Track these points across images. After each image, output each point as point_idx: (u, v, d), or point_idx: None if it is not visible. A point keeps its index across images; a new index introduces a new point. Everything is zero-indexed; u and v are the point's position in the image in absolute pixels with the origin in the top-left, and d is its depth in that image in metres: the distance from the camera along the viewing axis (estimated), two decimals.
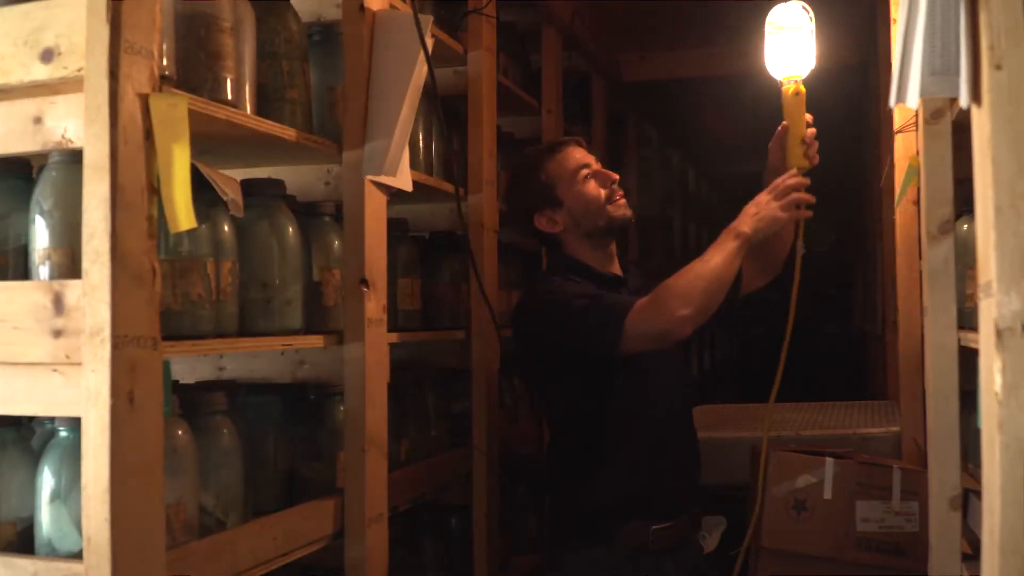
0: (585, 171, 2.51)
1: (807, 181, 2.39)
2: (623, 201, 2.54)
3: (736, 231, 2.32)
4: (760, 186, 2.45)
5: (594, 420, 2.45)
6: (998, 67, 1.21)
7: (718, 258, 2.30)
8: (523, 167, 2.65)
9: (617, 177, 2.54)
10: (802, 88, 2.40)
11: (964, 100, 1.31)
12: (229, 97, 1.78)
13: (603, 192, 2.50)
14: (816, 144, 2.43)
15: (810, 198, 2.34)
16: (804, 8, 2.41)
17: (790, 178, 2.34)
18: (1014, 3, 1.19)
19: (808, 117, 2.41)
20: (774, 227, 2.34)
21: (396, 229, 2.51)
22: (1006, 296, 1.22)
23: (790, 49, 2.41)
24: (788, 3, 2.44)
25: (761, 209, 2.33)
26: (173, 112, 1.51)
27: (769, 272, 2.66)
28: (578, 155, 2.54)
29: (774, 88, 2.47)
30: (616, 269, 2.59)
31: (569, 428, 2.55)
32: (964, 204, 2.10)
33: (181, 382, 2.20)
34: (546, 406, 2.69)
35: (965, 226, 2.07)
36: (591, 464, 2.47)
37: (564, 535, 2.52)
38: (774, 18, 2.44)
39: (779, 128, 2.47)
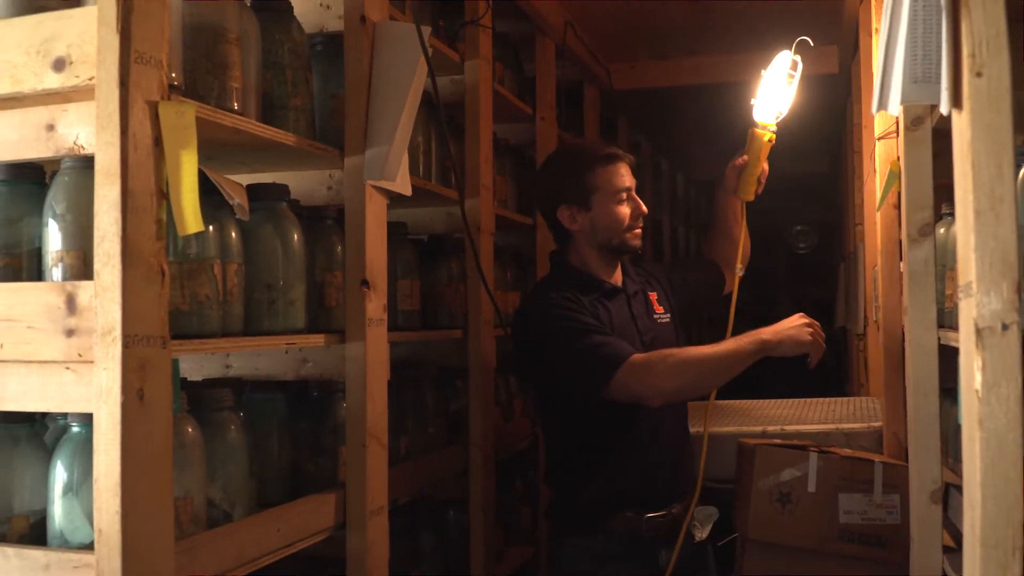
0: (624, 194, 2.52)
1: (765, 169, 2.58)
2: (639, 232, 2.56)
3: (760, 338, 2.33)
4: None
5: (586, 420, 2.45)
6: (979, 74, 1.21)
7: (731, 359, 2.32)
8: (573, 159, 2.63)
9: (646, 211, 2.56)
10: (774, 137, 2.54)
11: (945, 107, 1.31)
12: (235, 105, 1.78)
13: (629, 217, 2.51)
14: (764, 182, 2.61)
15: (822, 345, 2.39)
16: (796, 62, 2.48)
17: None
18: (995, 13, 1.19)
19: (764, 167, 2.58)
20: (796, 347, 2.35)
21: (396, 232, 2.51)
22: (986, 296, 1.22)
23: (775, 99, 2.52)
24: (784, 54, 2.50)
25: (791, 328, 2.35)
26: (181, 119, 1.50)
27: (725, 261, 2.75)
28: (626, 177, 2.54)
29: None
30: (617, 279, 2.59)
31: (562, 428, 2.56)
32: (943, 208, 2.11)
33: (189, 379, 2.20)
34: (539, 407, 2.70)
35: (942, 229, 2.07)
36: (585, 461, 2.48)
37: (561, 526, 2.53)
38: (771, 68, 2.52)
39: (738, 159, 2.61)
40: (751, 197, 2.62)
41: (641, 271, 2.71)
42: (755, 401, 3.70)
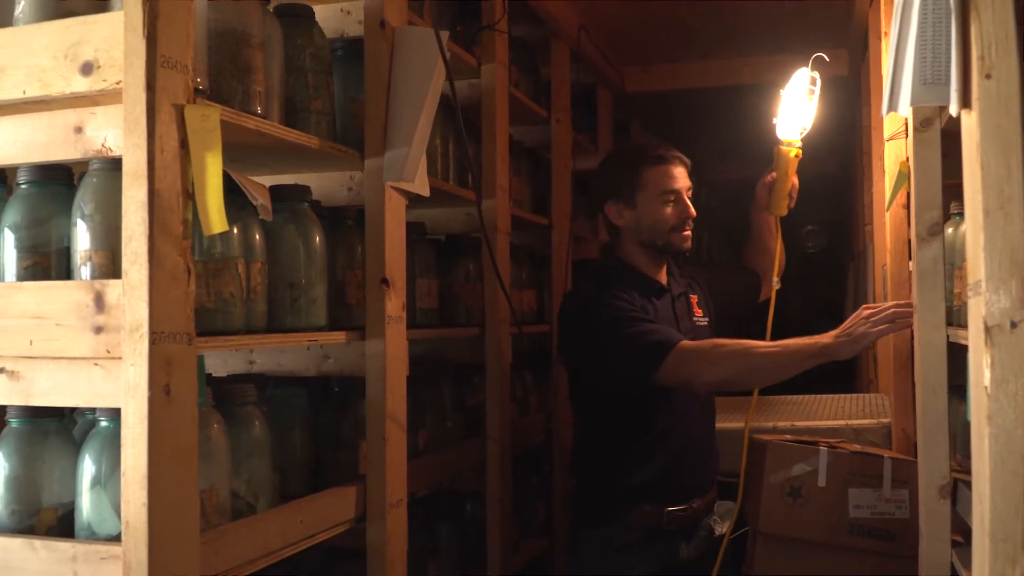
0: (671, 195, 2.50)
1: (796, 183, 2.56)
2: (688, 234, 2.55)
3: (821, 344, 2.23)
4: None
5: (619, 410, 2.46)
6: (988, 76, 1.20)
7: (784, 357, 2.27)
8: (625, 156, 2.65)
9: (694, 214, 2.54)
10: (800, 152, 2.52)
11: (954, 108, 1.30)
12: (259, 108, 1.78)
13: (674, 219, 2.50)
14: (795, 196, 2.58)
15: (910, 310, 2.12)
16: (815, 78, 2.47)
17: (897, 306, 2.21)
18: (1004, 16, 1.18)
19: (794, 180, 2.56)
20: (862, 343, 2.20)
21: (414, 232, 2.51)
22: (995, 295, 1.22)
23: (798, 116, 2.50)
24: (801, 72, 2.49)
25: (854, 328, 2.21)
26: (206, 123, 1.51)
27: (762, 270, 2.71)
28: (677, 179, 2.53)
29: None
30: (663, 278, 2.59)
31: (595, 416, 2.56)
32: (951, 208, 2.09)
33: (214, 375, 2.21)
34: (575, 394, 2.70)
35: (951, 229, 2.06)
36: (614, 451, 2.49)
37: (583, 516, 2.54)
38: (789, 86, 2.50)
39: (767, 177, 2.61)
40: (784, 212, 2.61)
41: (684, 273, 2.71)
42: (766, 397, 3.69)
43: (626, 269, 2.54)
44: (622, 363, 2.36)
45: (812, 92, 2.47)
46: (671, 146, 2.60)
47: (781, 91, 2.51)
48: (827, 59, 2.42)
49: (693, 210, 2.53)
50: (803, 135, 2.52)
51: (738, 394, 3.33)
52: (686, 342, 2.32)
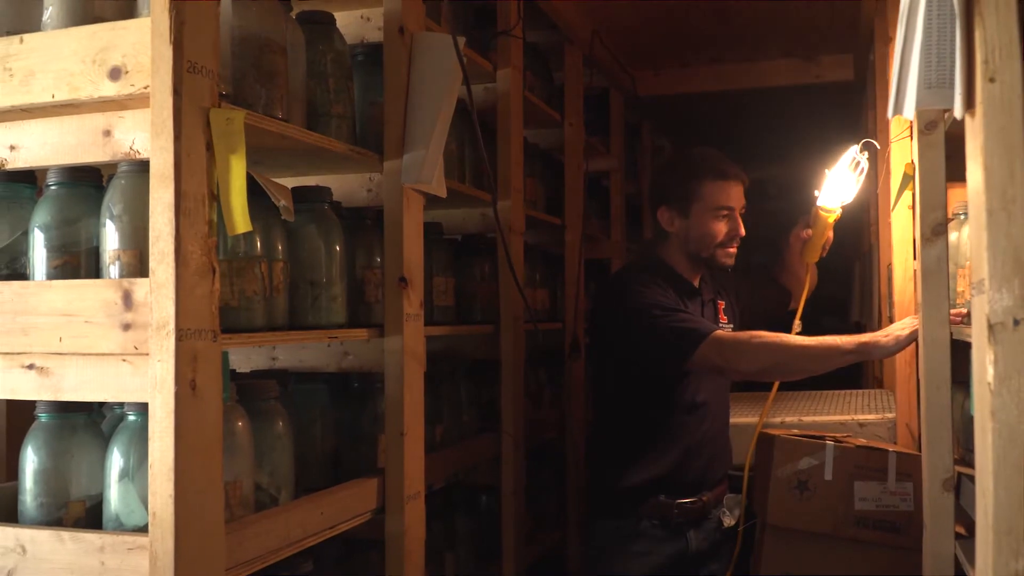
0: (725, 212, 2.49)
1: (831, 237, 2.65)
2: (733, 251, 2.55)
3: (860, 341, 2.26)
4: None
5: (640, 409, 2.46)
6: (992, 80, 1.20)
7: (819, 352, 2.27)
8: (686, 165, 2.63)
9: (743, 234, 2.55)
10: (839, 216, 2.60)
11: (959, 111, 1.30)
12: (281, 112, 1.79)
13: (723, 236, 2.49)
14: (828, 247, 2.65)
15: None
16: (864, 155, 2.53)
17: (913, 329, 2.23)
18: (1008, 20, 1.18)
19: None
20: (893, 348, 2.27)
21: (432, 232, 2.51)
22: (998, 293, 1.21)
23: (844, 187, 2.56)
24: (851, 150, 2.54)
25: (889, 342, 2.24)
26: (231, 126, 1.51)
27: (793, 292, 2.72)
28: (732, 196, 2.52)
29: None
30: (697, 282, 2.59)
31: (614, 407, 2.56)
32: (955, 209, 2.08)
33: (238, 371, 2.22)
34: (597, 385, 2.69)
35: (954, 230, 2.05)
36: (629, 443, 2.49)
37: (597, 507, 2.54)
38: (837, 163, 2.56)
39: (802, 231, 2.67)
40: (816, 259, 2.68)
41: (715, 280, 2.71)
42: (774, 393, 3.68)
43: (665, 268, 2.54)
44: (659, 345, 2.36)
45: (859, 170, 2.52)
46: (732, 162, 2.58)
47: (826, 170, 2.57)
48: (877, 146, 2.48)
49: (743, 230, 2.52)
50: (843, 205, 2.59)
51: (752, 389, 3.32)
52: (721, 331, 2.33)
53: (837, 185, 2.56)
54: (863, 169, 2.50)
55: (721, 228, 2.48)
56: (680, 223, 2.51)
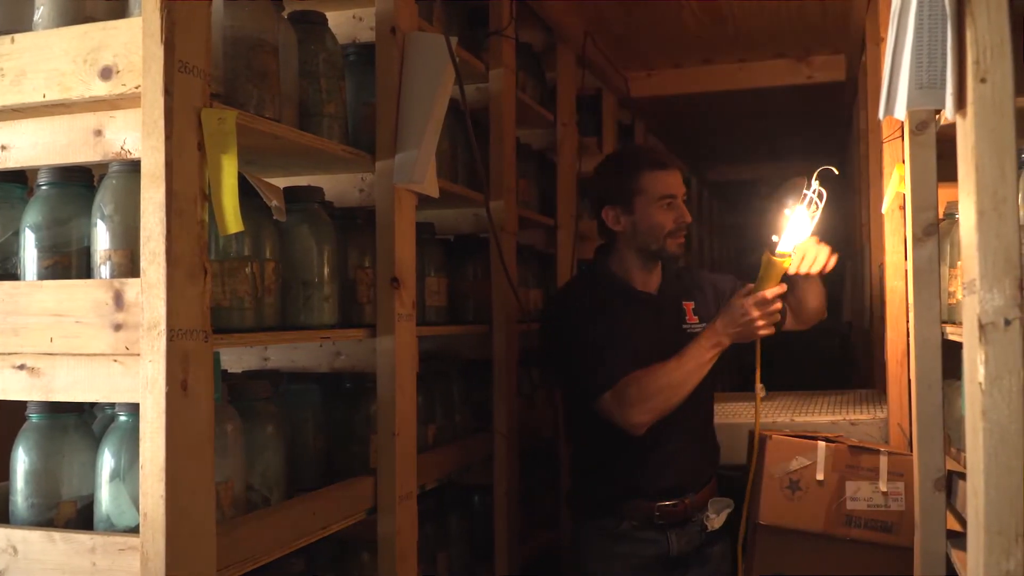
0: (668, 200, 2.48)
1: (784, 289, 2.36)
2: (681, 241, 2.52)
3: (717, 341, 2.34)
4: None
5: (601, 425, 2.41)
6: (983, 80, 1.19)
7: (691, 365, 2.33)
8: (622, 161, 2.60)
9: (690, 220, 2.51)
10: (789, 263, 2.36)
11: (950, 111, 1.30)
12: (273, 112, 1.78)
13: (671, 224, 2.48)
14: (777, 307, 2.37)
15: (778, 315, 2.36)
16: (819, 192, 2.34)
17: (774, 293, 2.33)
18: (999, 22, 1.18)
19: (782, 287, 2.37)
20: (751, 339, 2.37)
21: (424, 232, 2.51)
22: (989, 293, 1.21)
23: (795, 228, 2.37)
24: (804, 184, 2.35)
25: (745, 325, 2.32)
26: (222, 126, 1.50)
27: (803, 324, 2.61)
28: (673, 184, 2.49)
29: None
30: (652, 285, 2.55)
31: (579, 422, 2.56)
32: (946, 208, 2.09)
33: (230, 371, 2.21)
34: (561, 402, 2.70)
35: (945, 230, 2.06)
36: (600, 454, 2.47)
37: (580, 509, 2.54)
38: (796, 206, 2.36)
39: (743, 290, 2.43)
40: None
41: (684, 279, 2.65)
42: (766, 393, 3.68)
43: (608, 279, 2.52)
44: (572, 388, 2.42)
45: (815, 206, 2.34)
46: (664, 151, 2.57)
47: (786, 209, 2.37)
48: (836, 172, 2.31)
49: (689, 216, 2.50)
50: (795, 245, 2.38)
51: (745, 389, 3.32)
52: (608, 392, 2.32)
53: (795, 228, 2.37)
54: (821, 202, 2.33)
55: (668, 217, 2.46)
56: (626, 220, 2.49)
